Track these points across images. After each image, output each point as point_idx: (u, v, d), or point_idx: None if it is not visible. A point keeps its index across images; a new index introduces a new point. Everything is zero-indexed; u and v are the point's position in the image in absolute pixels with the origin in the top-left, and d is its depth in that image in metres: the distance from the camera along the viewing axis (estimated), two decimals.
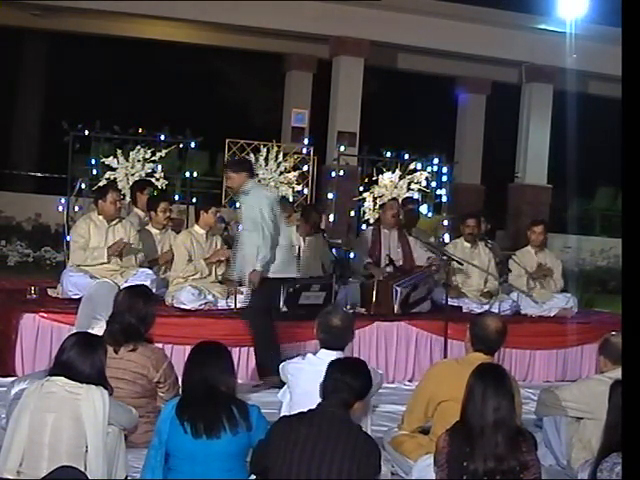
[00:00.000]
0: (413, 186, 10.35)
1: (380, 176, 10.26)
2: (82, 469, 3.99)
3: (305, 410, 3.92)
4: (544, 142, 15.84)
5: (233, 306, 7.59)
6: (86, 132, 9.72)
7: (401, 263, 8.71)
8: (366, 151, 11.64)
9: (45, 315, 6.96)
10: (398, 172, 10.29)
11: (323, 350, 4.96)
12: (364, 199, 10.26)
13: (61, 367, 4.15)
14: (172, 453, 4.05)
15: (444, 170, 11.47)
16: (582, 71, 14.98)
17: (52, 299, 7.70)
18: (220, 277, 7.93)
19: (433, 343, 7.88)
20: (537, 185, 15.95)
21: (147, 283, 7.04)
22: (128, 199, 8.94)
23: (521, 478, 3.79)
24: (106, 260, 7.65)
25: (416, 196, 10.33)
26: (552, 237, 11.59)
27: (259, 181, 10.46)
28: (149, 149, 9.63)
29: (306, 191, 11.55)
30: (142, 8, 13.65)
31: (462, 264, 8.31)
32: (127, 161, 9.48)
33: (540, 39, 15.22)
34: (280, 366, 5.24)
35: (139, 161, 9.51)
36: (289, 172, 10.76)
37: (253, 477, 4.10)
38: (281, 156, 10.74)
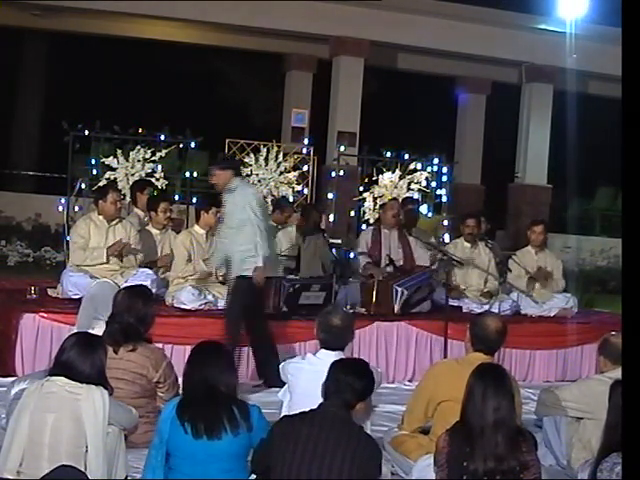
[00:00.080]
0: (413, 186, 10.36)
1: (380, 176, 10.27)
2: (82, 469, 4.00)
3: (306, 410, 3.92)
4: (544, 142, 15.85)
5: None
6: (86, 132, 9.73)
7: (401, 263, 8.71)
8: (366, 151, 11.64)
9: (45, 315, 6.96)
10: (398, 172, 10.30)
11: (323, 350, 4.96)
12: (364, 199, 10.27)
13: (61, 367, 4.15)
14: (172, 453, 4.05)
15: (444, 170, 11.48)
16: (582, 71, 14.99)
17: (52, 299, 7.70)
18: (220, 277, 7.92)
19: (433, 343, 7.88)
20: (537, 185, 15.96)
21: (147, 283, 7.04)
22: (128, 199, 8.94)
23: (521, 478, 3.79)
24: (106, 260, 7.65)
25: (416, 196, 10.34)
26: (552, 237, 11.59)
27: (259, 181, 10.50)
28: (149, 149, 9.63)
29: (306, 191, 11.55)
30: (142, 8, 13.66)
31: (462, 264, 8.31)
32: (127, 161, 9.48)
33: (540, 39, 15.23)
34: (280, 366, 5.24)
35: (139, 161, 9.52)
36: (289, 172, 10.77)
37: (253, 477, 4.10)
38: (281, 156, 10.74)
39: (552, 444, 5.31)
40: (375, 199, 10.10)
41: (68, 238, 8.44)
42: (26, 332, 6.87)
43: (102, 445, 4.09)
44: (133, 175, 9.44)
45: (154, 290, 7.19)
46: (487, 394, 3.84)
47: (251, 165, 10.52)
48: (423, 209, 10.68)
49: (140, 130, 9.93)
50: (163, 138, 10.01)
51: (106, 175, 9.42)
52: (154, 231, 8.40)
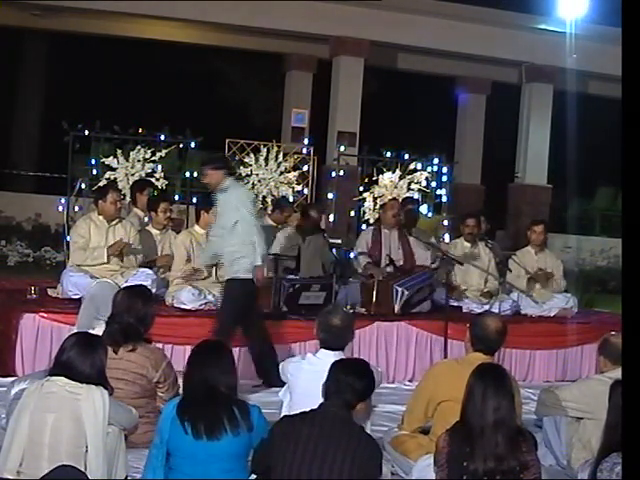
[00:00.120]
0: (413, 186, 10.35)
1: (380, 176, 10.25)
2: (82, 469, 4.00)
3: (307, 410, 3.92)
4: (544, 142, 15.85)
5: None
6: (86, 132, 9.72)
7: (401, 263, 8.71)
8: (366, 151, 11.64)
9: (45, 315, 6.96)
10: (398, 172, 10.29)
11: (323, 350, 4.97)
12: (364, 199, 10.26)
13: (61, 367, 4.15)
14: (173, 453, 4.05)
15: (444, 170, 11.47)
16: (582, 71, 14.99)
17: (52, 299, 7.70)
18: (220, 277, 7.91)
19: (433, 343, 7.88)
20: (537, 185, 15.95)
21: (147, 283, 7.04)
22: (128, 199, 8.94)
23: (521, 478, 3.79)
24: (106, 260, 7.64)
25: (416, 196, 10.32)
26: (552, 237, 11.59)
27: (259, 181, 10.49)
28: (149, 149, 9.62)
29: (306, 191, 11.54)
30: (142, 8, 13.66)
31: (462, 264, 8.31)
32: (127, 161, 9.47)
33: (540, 39, 15.23)
34: (280, 366, 5.24)
35: (139, 161, 9.51)
36: (289, 172, 10.75)
37: (253, 477, 4.10)
38: (281, 156, 10.73)
39: (552, 444, 5.31)
40: (375, 199, 10.08)
41: (68, 238, 8.43)
42: (26, 332, 6.87)
43: (102, 445, 4.09)
44: (133, 175, 9.42)
45: (154, 290, 7.19)
46: (487, 394, 3.84)
47: (251, 165, 10.51)
48: (423, 209, 10.67)
49: (140, 130, 9.92)
50: (163, 138, 10.00)
51: (106, 175, 9.41)
52: (154, 231, 8.39)
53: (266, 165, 10.60)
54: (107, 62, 18.11)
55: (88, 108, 14.20)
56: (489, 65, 16.56)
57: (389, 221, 8.81)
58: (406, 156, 10.79)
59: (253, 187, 10.34)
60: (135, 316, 5.19)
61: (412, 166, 10.46)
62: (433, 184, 11.02)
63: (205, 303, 7.60)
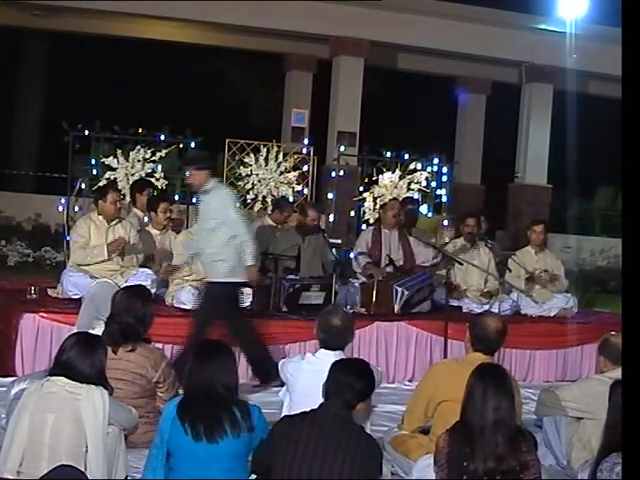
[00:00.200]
0: (413, 186, 10.34)
1: (380, 176, 10.25)
2: (82, 469, 4.00)
3: (307, 410, 3.92)
4: (544, 142, 15.84)
5: None
6: (86, 132, 9.70)
7: (401, 263, 8.71)
8: (366, 151, 11.63)
9: (45, 315, 6.96)
10: (398, 172, 10.28)
11: (323, 350, 4.97)
12: (364, 199, 10.25)
13: (61, 367, 4.15)
14: (173, 453, 4.05)
15: (444, 170, 11.46)
16: (582, 71, 14.97)
17: (52, 299, 7.70)
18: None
19: (433, 343, 7.88)
20: (537, 185, 15.95)
21: (147, 283, 7.05)
22: (128, 199, 8.94)
23: (521, 478, 3.79)
24: (107, 257, 7.63)
25: (416, 196, 10.32)
26: (552, 237, 11.59)
27: (259, 181, 10.48)
28: (149, 149, 9.62)
29: (306, 191, 11.52)
30: (142, 8, 13.65)
31: (462, 264, 8.31)
32: (127, 161, 9.46)
33: (540, 39, 15.22)
34: (279, 365, 5.24)
35: (139, 161, 9.50)
36: (289, 172, 10.74)
37: (254, 477, 4.10)
38: (281, 156, 10.71)
39: (552, 444, 5.31)
40: (375, 199, 10.08)
41: (68, 238, 8.43)
42: (26, 332, 6.87)
43: (102, 445, 4.09)
44: (133, 175, 9.42)
45: (154, 290, 7.21)
46: (487, 394, 3.84)
47: (251, 165, 10.50)
48: (423, 209, 10.67)
49: (140, 130, 9.91)
50: (163, 138, 9.99)
51: (106, 175, 9.40)
52: (154, 232, 8.39)
53: (266, 165, 10.59)
54: (107, 62, 18.11)
55: (88, 108, 14.20)
56: (489, 65, 16.55)
57: (389, 221, 8.81)
58: (406, 156, 10.78)
59: (253, 187, 10.34)
60: (134, 316, 5.19)
61: (412, 166, 10.45)
62: (433, 184, 11.01)
63: None
